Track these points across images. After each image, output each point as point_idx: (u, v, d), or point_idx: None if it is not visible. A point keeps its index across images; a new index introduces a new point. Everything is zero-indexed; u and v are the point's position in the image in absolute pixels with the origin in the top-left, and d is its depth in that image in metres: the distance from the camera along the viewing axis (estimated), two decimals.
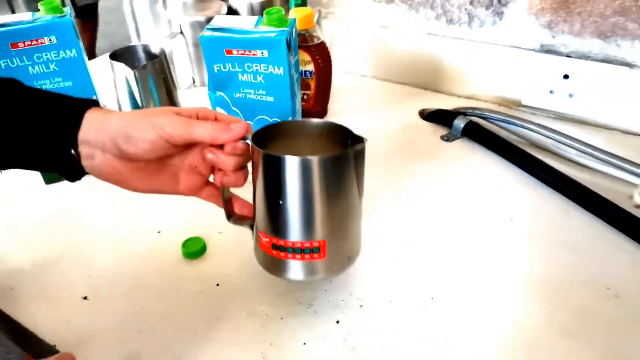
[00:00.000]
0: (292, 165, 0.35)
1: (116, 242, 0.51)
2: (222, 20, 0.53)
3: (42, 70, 0.54)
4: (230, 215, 0.41)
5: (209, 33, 0.50)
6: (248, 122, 0.38)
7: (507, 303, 0.43)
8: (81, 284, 0.46)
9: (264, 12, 0.51)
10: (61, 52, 0.54)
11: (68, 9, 0.55)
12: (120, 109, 0.67)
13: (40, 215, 0.55)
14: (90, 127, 0.36)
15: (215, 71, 0.52)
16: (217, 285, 0.45)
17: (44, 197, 0.57)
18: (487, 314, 0.42)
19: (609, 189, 0.53)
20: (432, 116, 0.70)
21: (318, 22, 0.76)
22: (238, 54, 0.50)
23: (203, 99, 0.56)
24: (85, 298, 0.44)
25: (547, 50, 0.66)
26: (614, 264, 0.46)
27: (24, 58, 0.53)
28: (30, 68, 0.53)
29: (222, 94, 0.54)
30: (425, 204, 0.54)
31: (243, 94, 0.54)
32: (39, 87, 0.54)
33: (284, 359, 0.38)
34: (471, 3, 0.68)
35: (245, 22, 0.52)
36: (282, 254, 0.37)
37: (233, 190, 0.41)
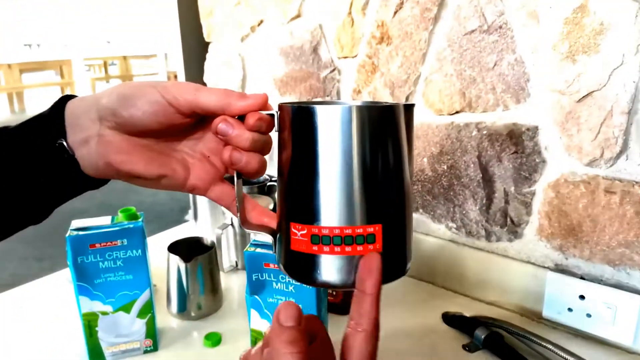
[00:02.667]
0: (332, 116, 0.27)
1: None
2: (265, 237, 0.62)
3: (110, 266, 0.63)
4: (245, 220, 0.35)
5: (252, 249, 0.59)
6: (264, 93, 0.33)
7: None
8: None
9: None
10: (129, 251, 0.63)
11: (142, 214, 0.67)
12: (169, 291, 0.75)
13: None
14: (77, 107, 0.33)
15: (254, 279, 0.60)
16: None
17: None
18: None
19: None
20: (454, 321, 0.73)
21: None
22: (274, 267, 0.58)
23: (242, 281, 0.63)
24: None
25: (562, 270, 0.70)
26: None
27: (98, 255, 0.62)
28: (100, 263, 0.63)
29: (257, 297, 0.61)
30: None
31: (275, 299, 0.60)
32: (103, 279, 0.63)
33: None
34: (487, 221, 0.75)
35: None
36: (326, 249, 0.28)
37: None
